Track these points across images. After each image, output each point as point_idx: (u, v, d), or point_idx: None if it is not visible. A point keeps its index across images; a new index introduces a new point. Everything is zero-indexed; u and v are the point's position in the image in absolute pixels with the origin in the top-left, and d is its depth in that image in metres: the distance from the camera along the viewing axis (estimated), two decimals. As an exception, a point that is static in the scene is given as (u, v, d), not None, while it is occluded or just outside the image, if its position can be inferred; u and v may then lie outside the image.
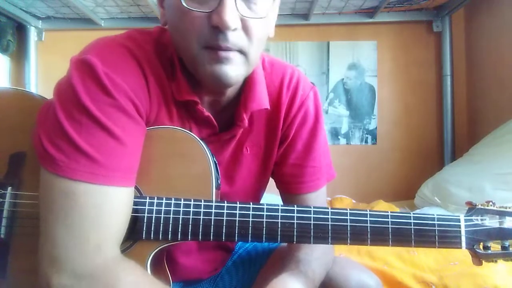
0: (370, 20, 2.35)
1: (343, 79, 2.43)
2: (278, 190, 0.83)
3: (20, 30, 2.42)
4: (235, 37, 0.60)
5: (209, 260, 0.83)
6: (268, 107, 0.73)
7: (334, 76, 2.43)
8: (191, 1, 0.59)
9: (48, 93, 0.63)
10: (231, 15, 0.58)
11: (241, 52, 0.62)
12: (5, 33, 2.28)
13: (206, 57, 0.61)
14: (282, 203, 0.82)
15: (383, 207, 1.78)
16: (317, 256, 0.74)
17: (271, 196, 0.90)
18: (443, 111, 2.33)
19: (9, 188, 0.67)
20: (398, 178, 2.39)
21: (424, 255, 1.15)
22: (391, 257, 1.16)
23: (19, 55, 2.45)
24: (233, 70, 0.62)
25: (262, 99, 0.72)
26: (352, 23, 2.39)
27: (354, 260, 0.89)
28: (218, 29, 0.59)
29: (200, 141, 0.67)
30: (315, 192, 0.79)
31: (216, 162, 0.69)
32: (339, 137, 2.43)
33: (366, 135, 2.43)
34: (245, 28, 0.61)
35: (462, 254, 1.12)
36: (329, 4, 2.21)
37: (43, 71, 2.48)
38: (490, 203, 0.68)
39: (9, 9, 2.20)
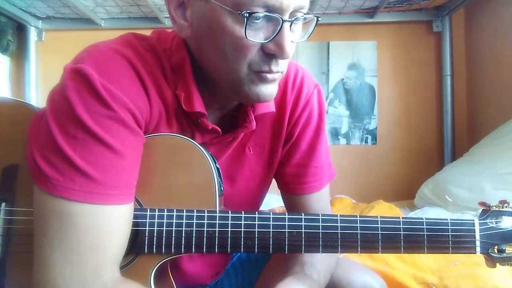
0: (370, 20, 2.34)
1: (343, 79, 2.43)
2: (279, 191, 0.82)
3: (20, 30, 2.41)
4: (285, 61, 0.62)
5: (211, 264, 0.82)
6: (274, 110, 0.73)
7: (334, 76, 2.43)
8: (248, 29, 0.56)
9: (48, 94, 0.61)
10: (290, 45, 0.58)
11: (282, 72, 0.64)
12: (5, 33, 2.27)
13: (254, 79, 0.61)
14: (283, 204, 0.82)
15: (383, 207, 1.78)
16: (321, 258, 0.73)
17: (272, 196, 0.89)
18: (443, 111, 2.33)
19: (3, 204, 0.64)
20: (398, 178, 2.38)
21: (425, 256, 1.15)
22: (391, 257, 1.15)
23: (19, 55, 2.45)
24: (275, 89, 0.64)
25: (270, 102, 0.71)
26: (352, 23, 2.39)
27: (356, 261, 0.89)
28: (272, 56, 0.59)
29: (201, 148, 0.65)
30: (318, 192, 0.78)
31: (219, 168, 0.67)
32: (339, 137, 2.43)
33: (366, 135, 2.42)
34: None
35: (464, 255, 1.12)
36: (329, 4, 2.21)
37: (43, 71, 2.47)
38: (505, 204, 0.66)
39: (9, 9, 2.19)
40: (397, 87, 2.42)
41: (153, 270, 0.62)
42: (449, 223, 0.64)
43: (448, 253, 0.64)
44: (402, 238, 0.63)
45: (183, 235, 0.62)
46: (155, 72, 0.64)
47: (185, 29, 0.63)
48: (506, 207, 0.66)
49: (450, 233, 0.64)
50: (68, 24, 2.43)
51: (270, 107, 0.71)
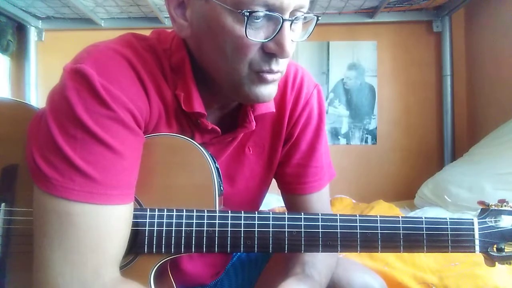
0: (370, 20, 2.34)
1: (343, 79, 2.43)
2: (279, 190, 0.82)
3: (20, 30, 2.41)
4: (284, 60, 0.62)
5: (211, 264, 0.82)
6: (274, 110, 0.73)
7: (334, 76, 2.43)
8: (248, 29, 0.56)
9: (48, 94, 0.61)
10: (290, 45, 0.58)
11: (282, 72, 0.64)
12: (5, 33, 2.27)
13: (254, 79, 0.61)
14: (284, 204, 0.82)
15: (383, 207, 1.77)
16: (322, 258, 0.73)
17: (272, 196, 0.89)
18: (443, 111, 2.33)
19: (3, 205, 0.64)
20: (398, 178, 2.38)
21: (425, 256, 1.15)
22: (391, 257, 1.15)
23: (19, 55, 2.44)
24: (275, 89, 0.64)
25: (270, 102, 0.71)
26: (352, 23, 2.39)
27: (356, 261, 0.89)
28: (272, 55, 0.59)
29: (201, 148, 0.65)
30: (318, 192, 0.78)
31: (218, 168, 0.67)
32: (339, 137, 2.43)
33: (366, 135, 2.43)
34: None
35: (463, 254, 1.12)
36: (329, 4, 2.21)
37: (43, 71, 2.47)
38: (504, 203, 0.66)
39: (9, 9, 2.19)
40: (397, 87, 2.42)
41: (153, 270, 0.62)
42: (448, 222, 0.64)
43: (448, 252, 0.64)
44: (401, 237, 0.63)
45: (183, 235, 0.62)
46: (154, 72, 0.64)
47: (185, 28, 0.63)
48: (505, 206, 0.66)
49: (449, 232, 0.64)
50: (68, 24, 2.43)
51: (269, 107, 0.71)
